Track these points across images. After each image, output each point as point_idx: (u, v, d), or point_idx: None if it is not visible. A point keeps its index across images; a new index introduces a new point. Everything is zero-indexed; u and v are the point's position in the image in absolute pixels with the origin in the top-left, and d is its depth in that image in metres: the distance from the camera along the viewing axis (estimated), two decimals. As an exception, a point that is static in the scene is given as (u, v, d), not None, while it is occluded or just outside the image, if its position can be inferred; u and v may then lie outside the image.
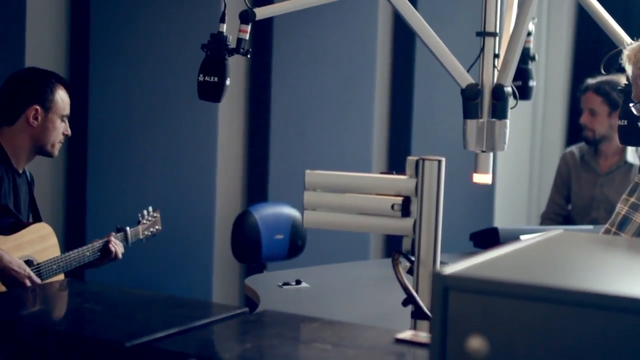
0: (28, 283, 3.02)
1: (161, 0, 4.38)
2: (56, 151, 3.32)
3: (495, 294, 1.23)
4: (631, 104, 2.67)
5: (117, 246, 3.44)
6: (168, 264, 4.50)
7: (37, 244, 3.21)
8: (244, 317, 2.07)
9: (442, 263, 2.10)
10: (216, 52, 2.94)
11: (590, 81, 4.72)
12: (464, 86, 3.01)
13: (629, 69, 2.64)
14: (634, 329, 1.15)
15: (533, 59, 3.69)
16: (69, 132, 3.34)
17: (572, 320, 1.19)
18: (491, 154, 3.06)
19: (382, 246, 5.60)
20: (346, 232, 4.52)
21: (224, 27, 2.95)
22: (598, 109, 4.66)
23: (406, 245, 2.17)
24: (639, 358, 1.15)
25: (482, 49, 3.08)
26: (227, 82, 2.96)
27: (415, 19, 3.04)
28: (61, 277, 3.25)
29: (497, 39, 3.10)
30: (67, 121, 3.33)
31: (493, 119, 3.01)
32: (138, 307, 2.20)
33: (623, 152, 4.71)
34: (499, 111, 3.01)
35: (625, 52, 2.64)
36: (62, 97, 3.30)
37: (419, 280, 2.14)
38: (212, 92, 2.97)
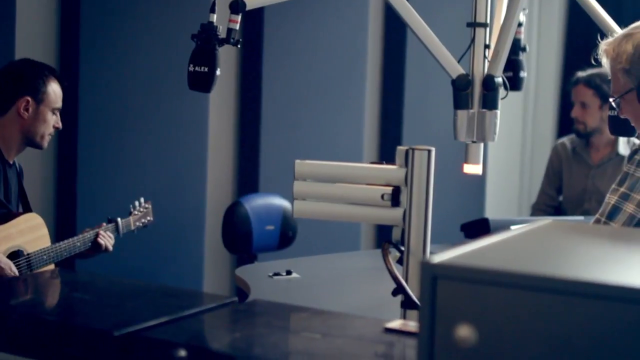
0: None
1: (152, -9, 4.37)
2: (45, 143, 3.32)
3: (484, 283, 1.23)
4: (611, 99, 2.68)
5: (105, 239, 3.43)
6: (159, 254, 4.49)
7: (27, 234, 3.20)
8: (234, 306, 2.07)
9: (432, 253, 2.10)
10: (206, 42, 2.93)
11: (581, 74, 4.72)
12: (454, 77, 3.01)
13: (606, 63, 2.64)
14: (623, 317, 1.15)
15: (524, 49, 3.69)
16: (59, 125, 3.33)
17: (561, 308, 1.19)
18: (482, 145, 3.06)
19: (373, 237, 5.61)
20: (337, 223, 4.53)
21: (214, 17, 2.94)
22: (589, 102, 4.66)
23: (396, 235, 2.17)
24: (627, 346, 1.15)
25: (473, 40, 3.08)
26: (218, 72, 2.95)
27: (406, 9, 3.04)
28: (51, 267, 3.25)
29: (488, 29, 3.10)
30: (58, 114, 3.32)
31: (484, 110, 3.01)
32: (127, 296, 2.19)
33: (614, 144, 4.72)
34: (489, 102, 3.01)
35: (602, 47, 2.64)
36: (54, 89, 3.29)
37: (408, 270, 2.14)
38: (203, 83, 2.96)
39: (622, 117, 2.67)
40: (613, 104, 2.67)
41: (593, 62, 2.97)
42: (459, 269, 1.26)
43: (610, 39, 2.64)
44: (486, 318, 1.23)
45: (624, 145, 4.70)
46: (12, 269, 3.00)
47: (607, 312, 1.16)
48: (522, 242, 1.47)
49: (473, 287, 1.24)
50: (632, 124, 2.68)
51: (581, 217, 4.30)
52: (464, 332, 1.24)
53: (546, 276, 1.20)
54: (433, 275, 1.26)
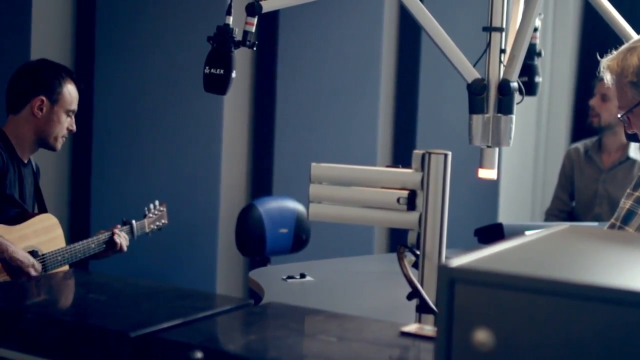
0: (33, 273, 3.03)
1: (167, -7, 4.38)
2: (59, 145, 3.32)
3: (502, 287, 1.23)
4: (618, 115, 2.66)
5: (121, 238, 3.44)
6: (172, 257, 4.50)
7: (42, 235, 3.21)
8: (249, 308, 2.07)
9: (446, 258, 2.10)
10: (222, 44, 2.93)
11: None
12: (470, 81, 3.00)
13: (610, 79, 2.62)
14: (640, 323, 1.15)
15: (539, 54, 3.68)
16: (74, 127, 3.33)
17: (578, 313, 1.18)
18: (497, 149, 3.06)
19: (387, 241, 5.60)
20: (350, 227, 4.53)
21: (230, 20, 2.95)
22: (611, 96, 4.66)
23: (411, 239, 2.16)
24: (645, 352, 1.15)
25: (489, 44, 3.07)
26: (233, 74, 2.95)
27: (421, 13, 3.04)
28: (66, 268, 3.26)
29: (504, 34, 3.10)
30: (73, 117, 3.33)
31: (499, 114, 3.01)
32: (143, 297, 2.20)
33: (626, 148, 4.72)
34: (504, 106, 3.01)
35: (605, 63, 2.62)
36: (70, 91, 3.29)
37: (424, 274, 2.13)
38: (218, 85, 2.96)
39: (630, 132, 2.66)
40: (621, 119, 2.65)
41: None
42: (476, 272, 1.26)
43: (611, 55, 2.64)
44: (504, 322, 1.23)
45: (635, 150, 4.70)
46: (30, 261, 3.01)
47: (625, 318, 1.16)
48: (540, 246, 1.47)
49: (491, 291, 1.24)
50: None
51: (595, 223, 4.29)
52: (482, 336, 1.24)
53: (563, 281, 1.20)
54: (451, 279, 1.26)
